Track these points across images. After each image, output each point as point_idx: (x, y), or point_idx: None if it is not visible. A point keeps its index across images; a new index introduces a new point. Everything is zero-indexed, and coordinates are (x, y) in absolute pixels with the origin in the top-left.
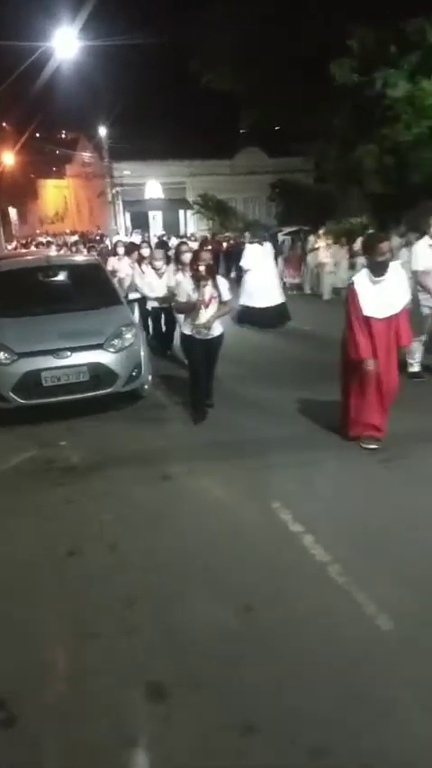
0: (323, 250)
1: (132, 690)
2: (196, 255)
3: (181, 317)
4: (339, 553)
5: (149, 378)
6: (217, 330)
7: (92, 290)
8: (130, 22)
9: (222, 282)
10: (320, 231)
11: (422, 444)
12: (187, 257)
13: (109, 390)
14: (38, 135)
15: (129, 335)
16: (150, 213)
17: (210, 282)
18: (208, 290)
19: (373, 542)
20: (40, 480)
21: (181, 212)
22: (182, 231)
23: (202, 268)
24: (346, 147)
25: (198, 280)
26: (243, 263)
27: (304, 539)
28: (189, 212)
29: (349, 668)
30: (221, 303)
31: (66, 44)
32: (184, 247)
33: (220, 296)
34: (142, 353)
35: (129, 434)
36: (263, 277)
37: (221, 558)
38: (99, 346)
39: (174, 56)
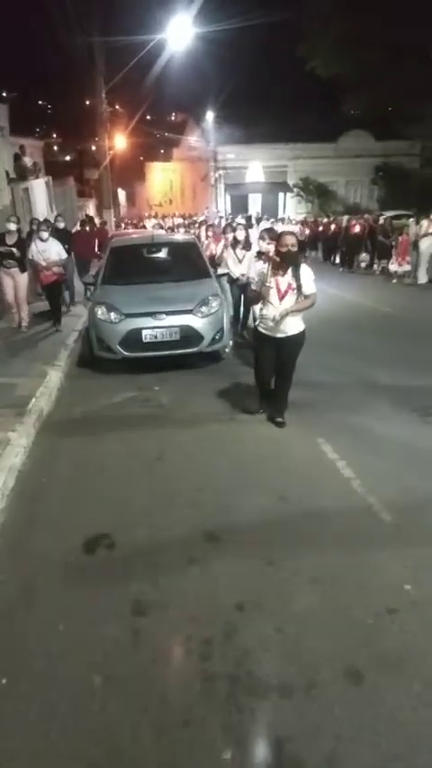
0: None
1: (195, 535)
2: (278, 239)
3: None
4: (363, 474)
5: (230, 342)
6: (293, 328)
7: (187, 263)
8: (240, 7)
9: (306, 272)
10: None
11: None
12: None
13: (195, 349)
14: (148, 117)
15: (214, 304)
16: (250, 196)
17: (289, 271)
18: (286, 279)
19: (392, 471)
20: (137, 412)
21: (280, 195)
22: (280, 214)
23: (281, 250)
24: None
25: (274, 266)
26: None
27: (338, 463)
28: (288, 195)
29: (352, 539)
30: (302, 297)
31: (179, 33)
32: (264, 234)
33: (299, 287)
34: (225, 321)
35: (207, 385)
36: None
37: (270, 470)
38: (189, 311)
39: (280, 40)
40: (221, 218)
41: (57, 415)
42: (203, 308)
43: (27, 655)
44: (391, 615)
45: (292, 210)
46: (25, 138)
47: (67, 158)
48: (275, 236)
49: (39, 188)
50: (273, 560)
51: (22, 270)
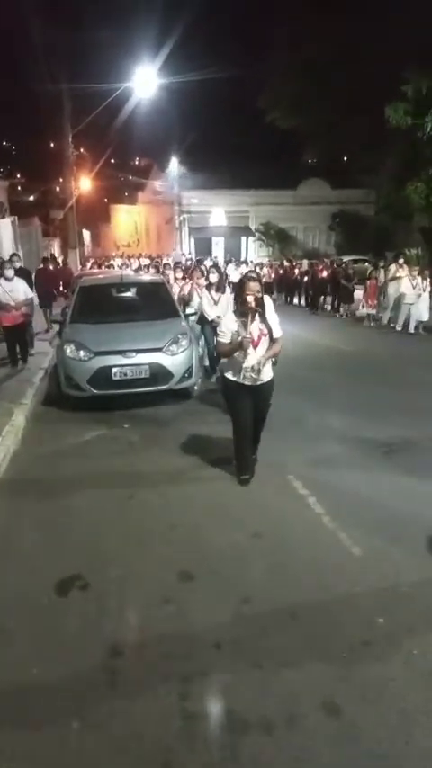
0: (407, 280)
1: (170, 574)
2: (242, 285)
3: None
4: (333, 509)
5: (199, 380)
6: (268, 374)
7: (156, 303)
8: (203, 60)
9: (273, 315)
10: (401, 260)
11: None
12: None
13: (164, 387)
14: (113, 161)
15: (184, 342)
16: (214, 239)
17: (257, 317)
18: (256, 325)
19: (360, 506)
20: (107, 450)
21: (243, 239)
22: (242, 257)
23: (250, 299)
24: (397, 184)
25: (245, 314)
26: None
27: (308, 499)
28: (251, 239)
29: (326, 574)
30: (272, 341)
31: (145, 82)
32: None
33: (270, 332)
34: (194, 359)
35: (177, 423)
36: None
37: (243, 506)
38: (159, 349)
39: (242, 92)
40: (190, 260)
41: (24, 454)
42: (173, 347)
43: (2, 697)
44: (366, 648)
45: (254, 254)
46: None
47: (31, 198)
48: (239, 283)
49: (5, 228)
50: (248, 597)
51: None
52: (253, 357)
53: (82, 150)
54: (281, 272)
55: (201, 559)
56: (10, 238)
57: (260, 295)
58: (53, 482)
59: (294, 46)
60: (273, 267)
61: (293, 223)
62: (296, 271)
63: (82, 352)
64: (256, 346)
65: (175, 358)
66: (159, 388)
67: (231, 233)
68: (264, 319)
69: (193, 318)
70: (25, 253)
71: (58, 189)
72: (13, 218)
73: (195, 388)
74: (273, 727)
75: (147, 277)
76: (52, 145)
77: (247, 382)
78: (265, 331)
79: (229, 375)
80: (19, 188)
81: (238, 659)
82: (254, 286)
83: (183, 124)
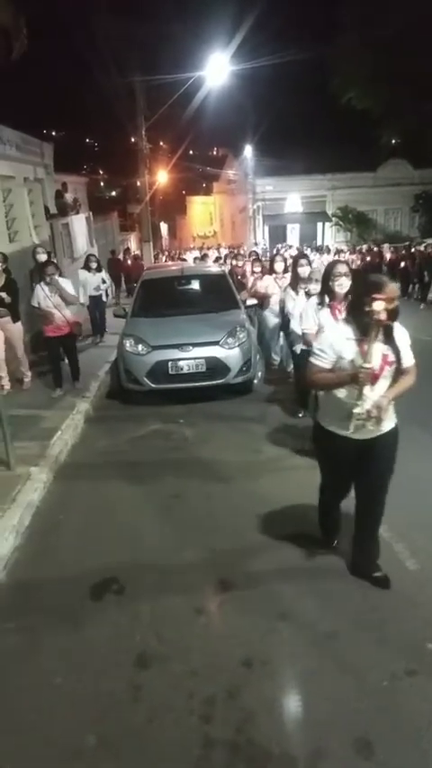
0: None
1: (207, 582)
2: (373, 285)
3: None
4: (392, 516)
5: (259, 374)
6: (388, 423)
7: (215, 295)
8: (274, 44)
9: (402, 333)
10: None
11: None
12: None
13: (221, 381)
14: (191, 153)
15: (241, 335)
16: (288, 226)
17: (379, 335)
18: (378, 348)
19: (425, 514)
20: (160, 446)
21: (319, 225)
22: (319, 243)
23: (379, 306)
24: None
25: (367, 330)
26: None
27: None
28: (327, 224)
29: (374, 590)
30: (400, 370)
31: (217, 70)
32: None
33: (399, 359)
34: (252, 351)
35: (234, 418)
36: None
37: (292, 511)
38: (216, 343)
39: (315, 74)
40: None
41: (80, 448)
42: (230, 340)
43: (19, 710)
44: (410, 678)
45: (331, 239)
46: (69, 176)
47: (113, 194)
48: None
49: (78, 223)
50: (286, 613)
51: (15, 319)
52: (371, 398)
53: (161, 143)
54: (367, 258)
55: (241, 568)
56: (84, 234)
57: (397, 306)
58: (103, 478)
59: (368, 20)
60: (359, 253)
61: (373, 206)
62: (387, 256)
63: (140, 347)
64: (375, 381)
65: (232, 351)
66: (216, 382)
67: (307, 219)
68: (390, 339)
69: (273, 321)
70: (100, 247)
71: (138, 183)
72: (88, 214)
73: (255, 381)
74: (296, 762)
75: (208, 268)
76: (133, 140)
77: (355, 435)
78: (391, 357)
79: (326, 423)
80: (102, 184)
81: (266, 681)
82: (390, 290)
83: (256, 111)
